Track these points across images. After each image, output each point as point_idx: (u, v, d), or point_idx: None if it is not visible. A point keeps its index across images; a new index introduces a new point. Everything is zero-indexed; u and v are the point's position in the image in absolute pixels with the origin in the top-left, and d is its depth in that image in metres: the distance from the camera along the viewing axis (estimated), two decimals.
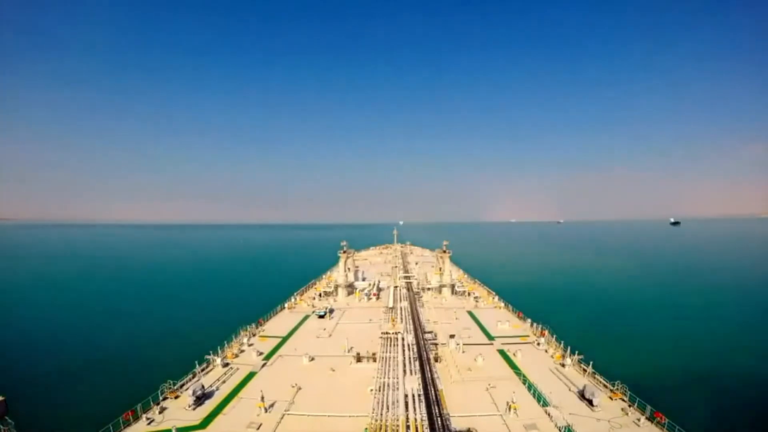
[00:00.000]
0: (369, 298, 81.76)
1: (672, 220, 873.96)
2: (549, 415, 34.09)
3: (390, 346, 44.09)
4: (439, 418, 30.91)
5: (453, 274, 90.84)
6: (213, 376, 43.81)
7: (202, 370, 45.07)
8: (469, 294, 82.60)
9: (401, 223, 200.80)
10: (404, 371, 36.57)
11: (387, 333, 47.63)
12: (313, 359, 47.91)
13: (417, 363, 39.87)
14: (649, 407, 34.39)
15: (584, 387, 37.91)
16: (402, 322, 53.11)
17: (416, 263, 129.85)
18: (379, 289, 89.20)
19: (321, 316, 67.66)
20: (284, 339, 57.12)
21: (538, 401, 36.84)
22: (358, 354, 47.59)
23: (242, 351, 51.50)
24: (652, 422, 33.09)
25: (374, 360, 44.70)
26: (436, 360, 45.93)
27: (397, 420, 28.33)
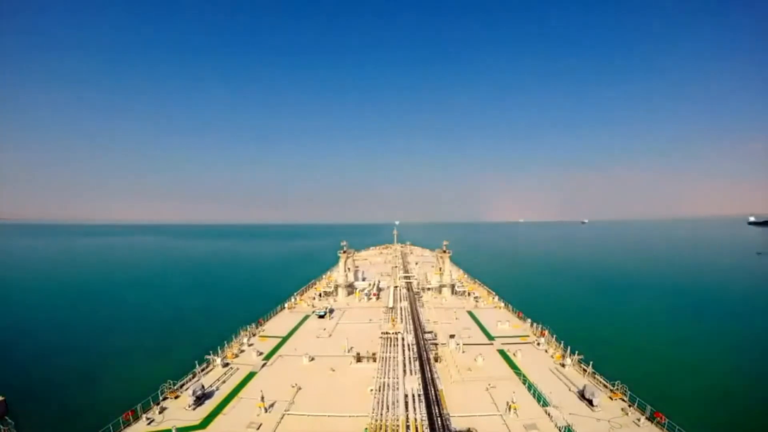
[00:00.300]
0: (369, 298, 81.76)
1: (752, 218, 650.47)
2: (549, 415, 34.10)
3: (390, 346, 44.07)
4: (439, 418, 30.88)
5: (453, 274, 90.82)
6: (213, 376, 43.81)
7: (202, 370, 45.07)
8: (469, 294, 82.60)
9: (397, 222, 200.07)
10: (404, 371, 36.56)
11: (387, 333, 47.61)
12: (313, 359, 47.92)
13: (417, 363, 39.86)
14: (649, 407, 34.40)
15: (584, 387, 37.93)
16: (402, 322, 53.09)
17: (416, 263, 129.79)
18: (379, 289, 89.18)
19: (321, 316, 67.66)
20: (284, 339, 57.12)
21: (538, 401, 36.85)
22: (358, 354, 47.60)
23: (242, 351, 51.51)
24: (652, 422, 33.11)
25: (374, 360, 44.69)
26: (436, 360, 45.90)
27: (397, 420, 28.32)
